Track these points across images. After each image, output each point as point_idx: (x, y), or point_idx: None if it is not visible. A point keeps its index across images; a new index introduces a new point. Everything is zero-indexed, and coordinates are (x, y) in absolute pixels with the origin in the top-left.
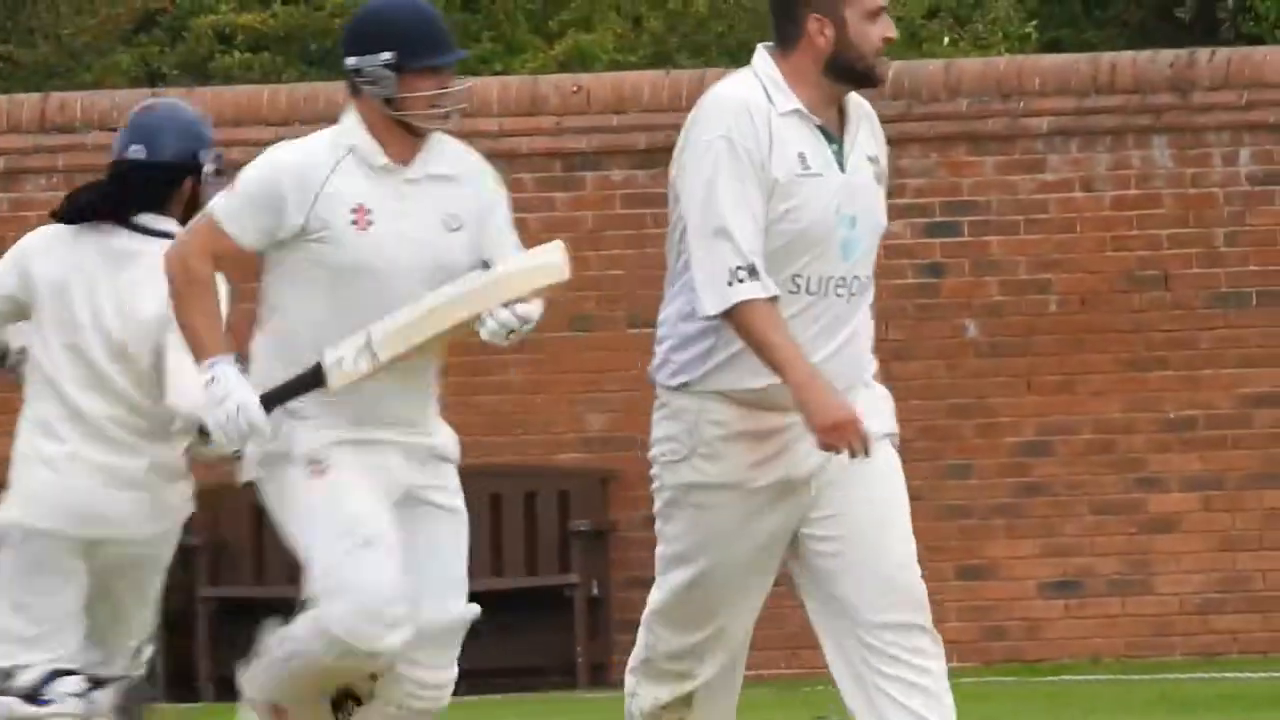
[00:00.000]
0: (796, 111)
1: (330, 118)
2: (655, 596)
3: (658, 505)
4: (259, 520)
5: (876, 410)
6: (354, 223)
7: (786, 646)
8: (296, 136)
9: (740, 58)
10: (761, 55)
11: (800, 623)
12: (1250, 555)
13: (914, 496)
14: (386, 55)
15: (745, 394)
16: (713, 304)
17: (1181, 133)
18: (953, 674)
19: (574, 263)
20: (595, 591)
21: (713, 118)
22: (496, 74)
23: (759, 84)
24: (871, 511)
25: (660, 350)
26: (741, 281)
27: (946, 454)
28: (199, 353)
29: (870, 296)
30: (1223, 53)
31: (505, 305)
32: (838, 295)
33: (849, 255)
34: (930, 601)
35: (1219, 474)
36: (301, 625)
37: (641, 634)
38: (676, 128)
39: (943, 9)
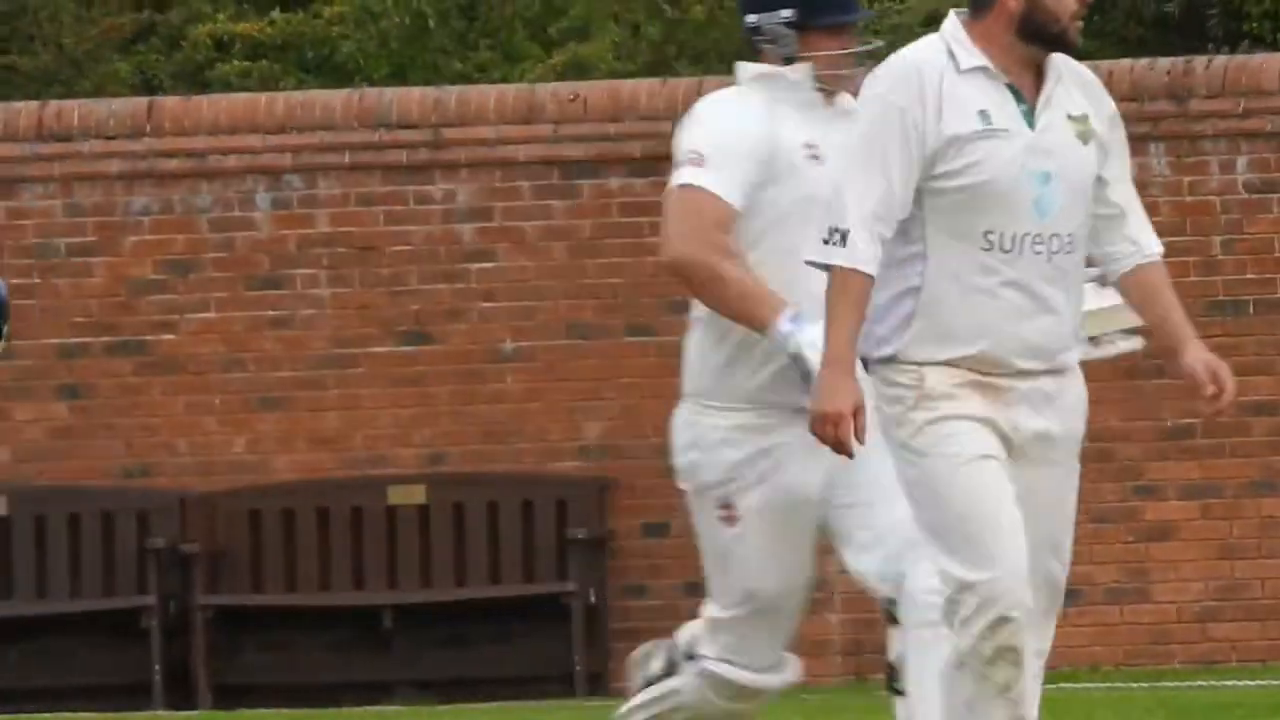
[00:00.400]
0: (982, 69)
1: (326, 125)
2: (934, 546)
3: (901, 464)
4: (256, 527)
5: (1070, 406)
6: (811, 157)
7: None
8: (291, 145)
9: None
10: (951, 18)
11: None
12: (1248, 564)
13: None
14: (787, 12)
15: (953, 362)
16: (811, 251)
17: (1179, 141)
18: None
19: (571, 271)
20: (593, 600)
21: (877, 78)
22: (494, 83)
23: (943, 44)
24: (1045, 519)
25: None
26: (834, 245)
27: None
28: (768, 310)
29: (1080, 259)
30: (1219, 61)
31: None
32: (1035, 253)
33: (1044, 213)
34: None
35: (1217, 482)
36: (690, 673)
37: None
38: (673, 135)
39: (941, 17)
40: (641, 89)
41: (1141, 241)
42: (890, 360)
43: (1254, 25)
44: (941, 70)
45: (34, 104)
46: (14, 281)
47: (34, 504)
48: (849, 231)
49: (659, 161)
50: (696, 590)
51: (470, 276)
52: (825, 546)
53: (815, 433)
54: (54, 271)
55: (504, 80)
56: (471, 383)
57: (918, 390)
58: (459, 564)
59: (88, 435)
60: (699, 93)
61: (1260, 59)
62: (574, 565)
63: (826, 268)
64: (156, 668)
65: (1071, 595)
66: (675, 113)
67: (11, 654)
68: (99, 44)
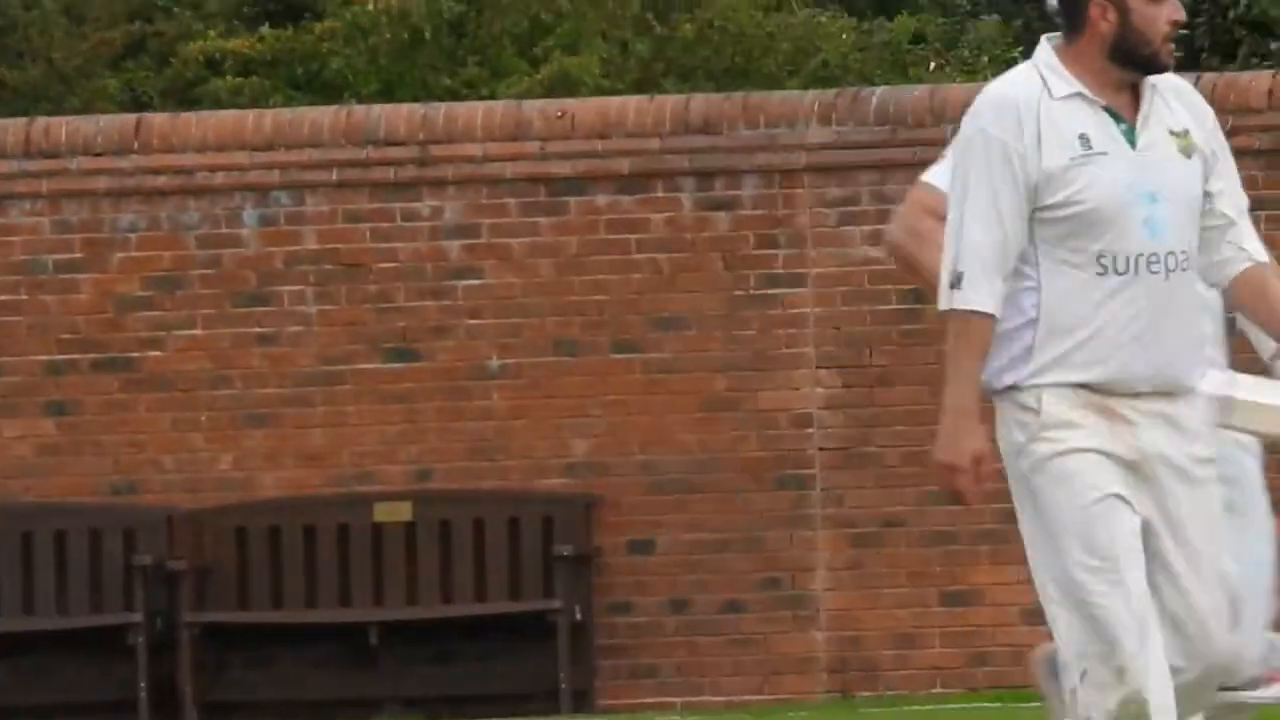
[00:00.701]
0: (1078, 94)
1: (313, 142)
2: (1048, 595)
3: (1021, 498)
4: (242, 544)
5: (1194, 429)
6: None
7: (762, 672)
8: (279, 162)
9: (725, 82)
10: (1042, 45)
11: (777, 649)
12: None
13: (898, 522)
14: None
15: (1074, 390)
16: (940, 300)
17: None
18: (937, 700)
19: (558, 287)
20: (578, 617)
21: (976, 112)
22: (482, 99)
23: (1035, 73)
24: (1196, 543)
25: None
26: (953, 287)
27: (930, 480)
28: None
29: (1195, 276)
30: (1208, 77)
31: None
32: (1152, 273)
33: (1155, 232)
34: (914, 628)
35: None
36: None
37: (1059, 645)
38: (660, 152)
39: (929, 34)
40: (629, 106)
41: (1249, 248)
42: (1011, 389)
43: (1245, 35)
44: (1037, 99)
45: (22, 120)
46: (1, 298)
47: (21, 521)
48: (964, 273)
49: (646, 178)
50: (681, 607)
51: (457, 293)
52: (808, 564)
53: (938, 478)
54: (41, 288)
55: (491, 96)
56: (458, 399)
57: (1037, 418)
58: (445, 581)
59: (75, 452)
60: (687, 110)
61: (1249, 77)
62: (560, 582)
63: (944, 312)
64: (142, 685)
65: None
66: (662, 130)
67: None
68: (89, 59)
